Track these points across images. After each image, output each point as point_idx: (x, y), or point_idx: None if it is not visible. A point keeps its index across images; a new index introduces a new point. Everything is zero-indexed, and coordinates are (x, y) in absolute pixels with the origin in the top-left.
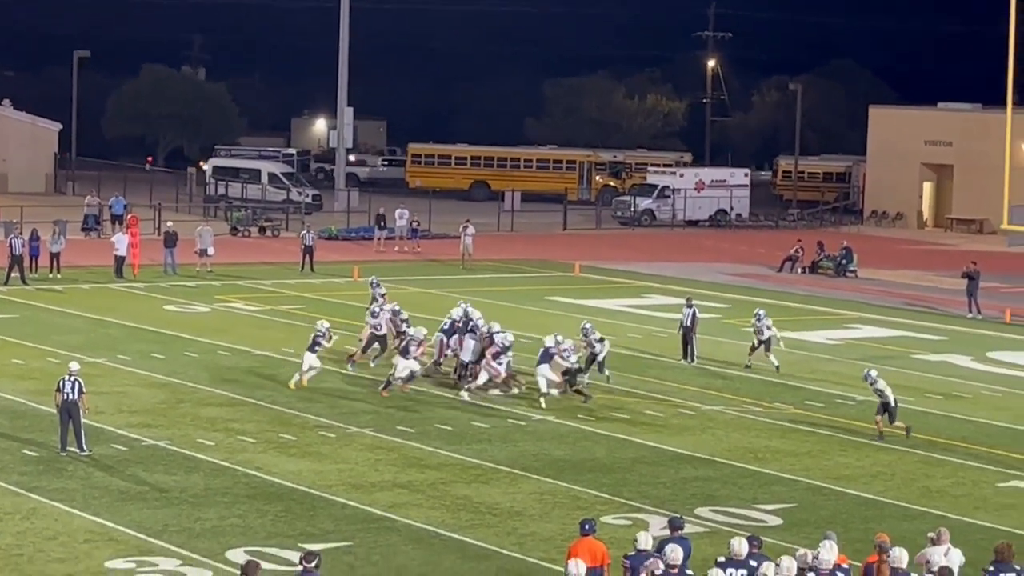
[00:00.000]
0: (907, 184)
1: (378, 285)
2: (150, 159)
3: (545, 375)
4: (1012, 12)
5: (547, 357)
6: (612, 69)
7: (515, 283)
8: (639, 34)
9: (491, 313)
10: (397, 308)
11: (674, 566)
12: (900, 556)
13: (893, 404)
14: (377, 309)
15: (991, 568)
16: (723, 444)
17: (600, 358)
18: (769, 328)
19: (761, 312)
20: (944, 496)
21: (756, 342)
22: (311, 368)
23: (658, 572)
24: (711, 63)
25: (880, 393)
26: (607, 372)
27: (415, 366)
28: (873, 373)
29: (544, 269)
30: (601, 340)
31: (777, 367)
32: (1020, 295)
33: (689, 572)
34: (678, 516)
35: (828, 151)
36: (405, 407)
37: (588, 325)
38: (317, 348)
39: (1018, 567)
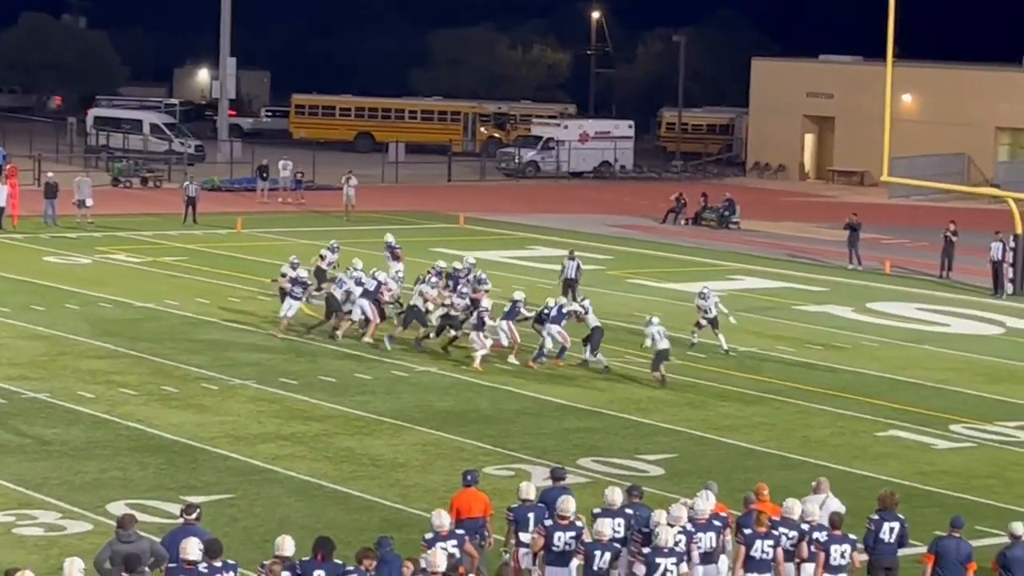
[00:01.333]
0: (789, 136)
1: (336, 249)
2: (59, 100)
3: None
4: None
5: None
6: (496, 20)
7: (399, 235)
8: None
9: (374, 265)
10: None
11: (565, 517)
12: (792, 507)
13: (665, 349)
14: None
15: (875, 516)
16: (606, 395)
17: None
18: (717, 305)
19: (706, 289)
20: (824, 446)
21: (702, 320)
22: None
23: (547, 522)
24: (595, 15)
25: (653, 342)
26: (596, 355)
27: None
28: (653, 328)
29: (428, 220)
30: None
31: (726, 350)
32: (900, 247)
33: (579, 523)
34: (560, 466)
35: (712, 103)
36: (289, 359)
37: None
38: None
39: (901, 515)
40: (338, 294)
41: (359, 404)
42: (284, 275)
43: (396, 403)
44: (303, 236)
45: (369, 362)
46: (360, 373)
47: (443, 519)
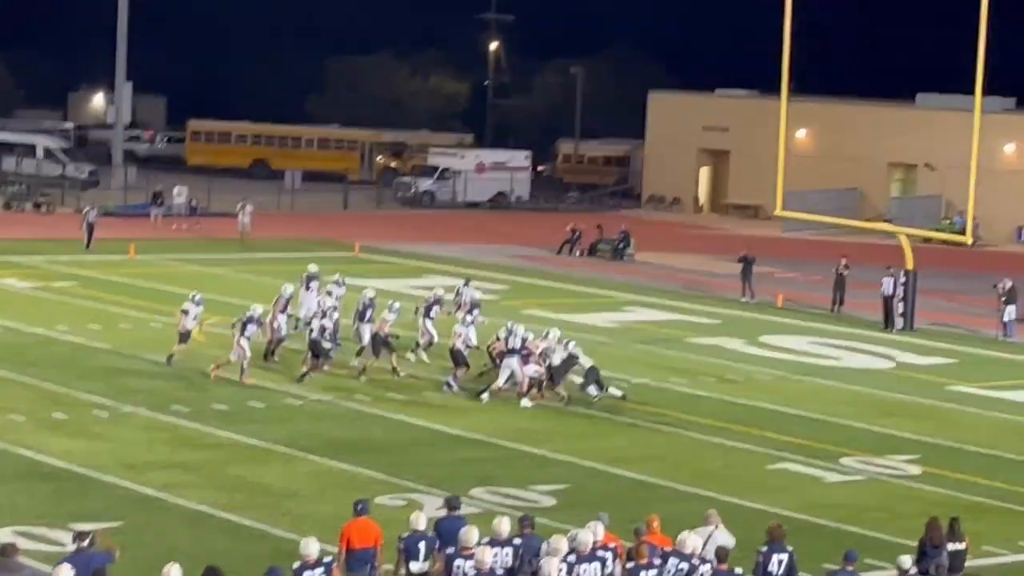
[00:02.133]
0: (685, 169)
1: (342, 283)
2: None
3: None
4: (788, 1)
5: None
6: (395, 49)
7: (294, 263)
8: (422, 14)
9: (269, 294)
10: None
11: (468, 547)
12: (685, 539)
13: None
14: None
15: (764, 548)
16: (500, 425)
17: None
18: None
19: (511, 324)
20: (716, 478)
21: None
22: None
23: (450, 550)
24: (493, 45)
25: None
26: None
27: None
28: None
29: (324, 249)
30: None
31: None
32: (793, 280)
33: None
34: (454, 496)
35: (608, 135)
36: (181, 386)
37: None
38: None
39: (790, 547)
40: (316, 336)
41: (252, 432)
42: (186, 312)
43: (289, 431)
44: (197, 263)
45: (263, 390)
46: (253, 401)
47: (310, 548)
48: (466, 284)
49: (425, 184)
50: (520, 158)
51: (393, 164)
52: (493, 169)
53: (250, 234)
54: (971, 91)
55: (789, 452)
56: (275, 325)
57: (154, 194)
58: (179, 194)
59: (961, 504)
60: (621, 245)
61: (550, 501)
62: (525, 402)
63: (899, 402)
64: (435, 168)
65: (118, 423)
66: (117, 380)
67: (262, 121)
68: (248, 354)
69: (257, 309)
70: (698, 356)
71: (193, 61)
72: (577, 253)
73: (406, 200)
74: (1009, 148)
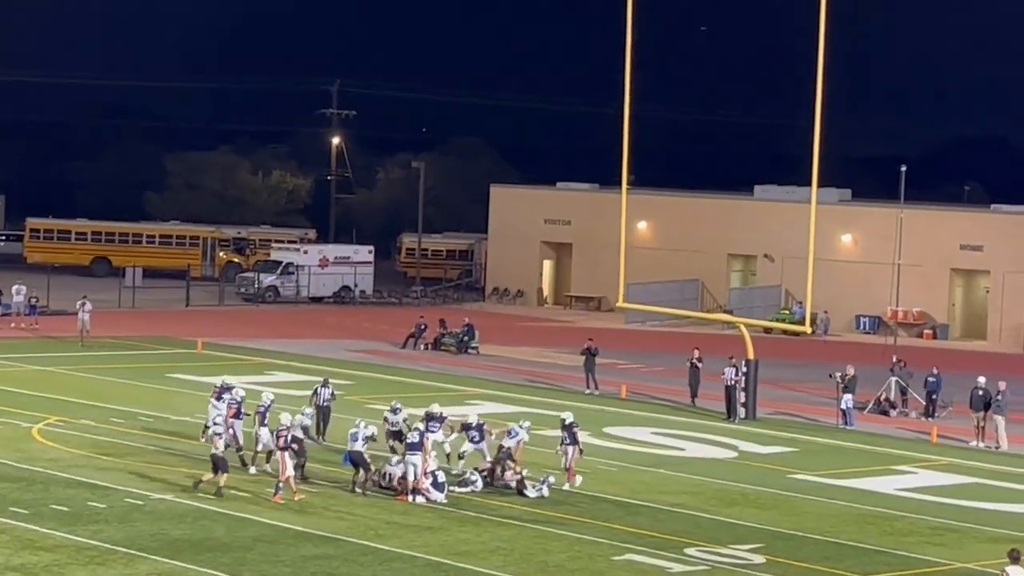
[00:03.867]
0: (527, 262)
1: (399, 410)
2: None
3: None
4: (627, 97)
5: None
6: (236, 144)
7: (136, 360)
8: (263, 110)
9: (109, 391)
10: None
11: None
12: None
13: None
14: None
15: None
16: (344, 521)
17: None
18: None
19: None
20: (561, 570)
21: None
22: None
23: None
24: (335, 140)
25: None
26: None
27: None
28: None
29: (166, 346)
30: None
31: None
32: (636, 371)
33: None
34: None
35: (452, 229)
36: (20, 487)
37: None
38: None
39: None
40: (360, 447)
41: (92, 533)
42: (219, 435)
43: (130, 531)
44: (37, 362)
45: (104, 490)
46: (94, 501)
47: None
48: (324, 384)
49: (268, 279)
50: (364, 252)
51: (236, 259)
52: (336, 264)
53: (90, 332)
54: (808, 183)
55: (634, 543)
56: (256, 433)
57: None
58: (18, 292)
59: None
60: (465, 338)
61: None
62: (419, 499)
63: (742, 491)
64: (278, 263)
65: None
66: None
67: (101, 218)
68: (291, 470)
69: (284, 420)
70: (542, 448)
71: (31, 159)
72: (421, 347)
73: (249, 296)
74: (846, 238)
